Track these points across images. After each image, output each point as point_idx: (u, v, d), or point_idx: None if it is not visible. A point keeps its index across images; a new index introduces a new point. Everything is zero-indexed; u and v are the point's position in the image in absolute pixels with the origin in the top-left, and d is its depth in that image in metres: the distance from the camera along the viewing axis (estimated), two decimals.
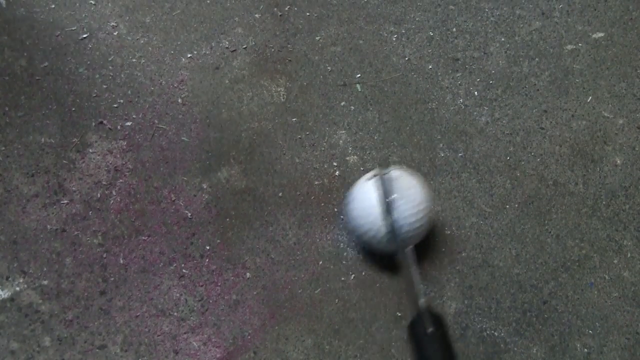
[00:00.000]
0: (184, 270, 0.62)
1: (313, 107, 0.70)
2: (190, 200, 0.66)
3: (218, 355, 0.59)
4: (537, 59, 0.72)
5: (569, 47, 0.73)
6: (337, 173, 0.67)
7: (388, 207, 0.57)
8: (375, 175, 0.60)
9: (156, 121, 0.70)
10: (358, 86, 0.71)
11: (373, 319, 0.60)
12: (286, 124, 0.69)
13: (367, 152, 0.68)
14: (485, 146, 0.68)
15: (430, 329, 0.53)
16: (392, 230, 0.57)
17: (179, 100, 0.71)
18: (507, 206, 0.65)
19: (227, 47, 0.74)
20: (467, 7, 0.75)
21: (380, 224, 0.58)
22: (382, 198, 0.58)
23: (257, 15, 0.75)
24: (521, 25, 0.74)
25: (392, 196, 0.57)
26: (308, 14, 0.75)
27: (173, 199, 0.66)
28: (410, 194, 0.58)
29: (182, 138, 0.69)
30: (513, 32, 0.73)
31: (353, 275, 0.62)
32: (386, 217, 0.57)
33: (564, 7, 0.75)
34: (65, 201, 0.65)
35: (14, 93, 0.71)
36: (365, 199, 0.59)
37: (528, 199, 0.65)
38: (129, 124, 0.69)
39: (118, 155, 0.68)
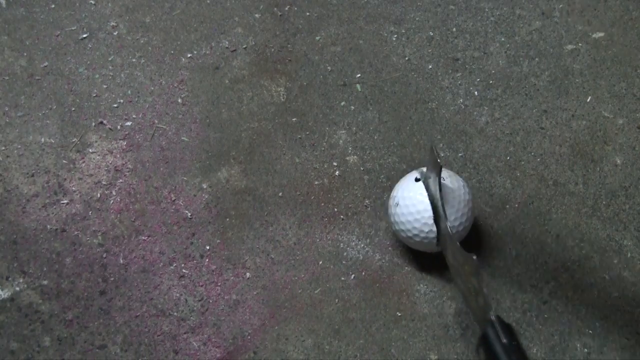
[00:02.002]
0: (184, 270, 0.62)
1: (313, 107, 0.70)
2: (190, 200, 0.66)
3: (218, 355, 0.59)
4: (537, 59, 0.72)
5: (569, 47, 0.73)
6: (337, 173, 0.67)
7: (439, 212, 0.56)
8: (422, 177, 0.59)
9: (156, 121, 0.70)
10: (358, 86, 0.71)
11: (373, 319, 0.60)
12: (286, 124, 0.70)
13: (367, 152, 0.68)
14: (485, 146, 0.68)
15: (504, 340, 0.50)
16: (444, 234, 0.56)
17: (179, 100, 0.71)
18: (507, 206, 0.65)
19: (227, 47, 0.74)
20: (467, 7, 0.75)
21: (430, 225, 0.57)
22: (432, 202, 0.57)
23: (257, 15, 0.75)
24: (521, 25, 0.74)
25: (442, 199, 0.56)
26: (308, 14, 0.75)
27: (173, 199, 0.66)
28: (457, 197, 0.57)
29: (182, 138, 0.69)
30: (513, 32, 0.73)
31: (353, 275, 0.62)
32: (437, 222, 0.57)
33: (564, 7, 0.75)
34: (65, 201, 0.65)
35: (13, 93, 0.71)
36: (413, 203, 0.58)
37: (528, 199, 0.65)
38: (128, 123, 0.69)
39: (118, 155, 0.68)
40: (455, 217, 0.57)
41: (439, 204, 0.56)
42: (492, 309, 0.51)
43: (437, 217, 0.57)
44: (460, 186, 0.58)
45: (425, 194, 0.58)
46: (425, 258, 0.63)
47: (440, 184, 0.56)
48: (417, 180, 0.59)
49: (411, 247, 0.61)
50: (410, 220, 0.58)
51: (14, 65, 0.72)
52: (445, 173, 0.59)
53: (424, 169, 0.60)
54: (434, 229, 0.57)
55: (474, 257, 0.50)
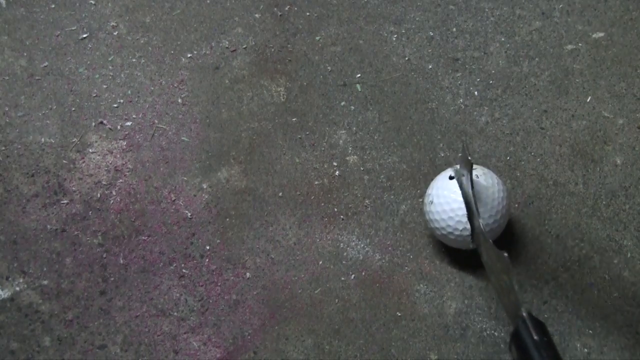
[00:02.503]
0: (184, 270, 0.62)
1: (313, 107, 0.70)
2: (190, 200, 0.66)
3: (218, 355, 0.59)
4: (537, 59, 0.72)
5: (569, 47, 0.73)
6: (337, 173, 0.67)
7: (472, 210, 0.56)
8: (456, 175, 0.59)
9: (156, 121, 0.70)
10: (358, 86, 0.71)
11: (373, 319, 0.60)
12: (286, 124, 0.70)
13: (367, 152, 0.68)
14: (485, 146, 0.68)
15: (536, 336, 0.50)
16: (477, 232, 0.56)
17: (179, 100, 0.71)
18: None
19: (227, 47, 0.74)
20: (467, 7, 0.75)
21: (465, 223, 0.57)
22: (466, 200, 0.57)
23: (257, 15, 0.75)
24: (521, 25, 0.74)
25: (475, 197, 0.56)
26: (308, 13, 0.75)
27: (173, 199, 0.66)
28: (491, 194, 0.57)
29: (182, 138, 0.69)
30: (513, 32, 0.73)
31: (353, 275, 0.62)
32: (471, 220, 0.57)
33: (564, 7, 0.75)
34: (65, 201, 0.65)
35: (13, 93, 0.71)
36: (447, 201, 0.58)
37: (528, 198, 0.65)
38: (129, 124, 0.69)
39: (118, 155, 0.68)
40: (490, 215, 0.57)
41: (472, 201, 0.56)
42: (523, 306, 0.51)
43: (470, 215, 0.57)
44: (494, 184, 0.59)
45: (459, 192, 0.58)
46: (425, 258, 0.63)
47: (472, 181, 0.56)
48: (451, 178, 0.59)
49: (447, 245, 0.62)
50: (444, 218, 0.58)
51: (14, 65, 0.72)
52: (480, 171, 0.59)
53: (458, 166, 0.60)
54: (468, 226, 0.57)
55: (505, 254, 0.51)
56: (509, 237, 0.63)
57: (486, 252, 0.56)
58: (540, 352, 0.49)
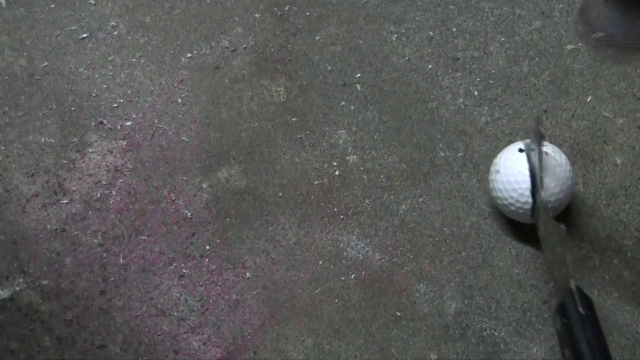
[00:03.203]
0: (184, 270, 0.62)
1: (313, 106, 0.70)
2: (190, 200, 0.66)
3: (218, 355, 0.59)
4: (537, 59, 0.72)
5: (569, 46, 0.73)
6: (337, 173, 0.67)
7: (537, 185, 0.57)
8: (526, 149, 0.59)
9: (156, 121, 0.70)
10: (358, 86, 0.71)
11: (373, 319, 0.60)
12: (286, 124, 0.70)
13: (367, 152, 0.68)
14: (485, 146, 0.68)
15: (582, 311, 0.51)
16: (539, 206, 0.57)
17: (179, 100, 0.71)
18: None
19: (227, 47, 0.74)
20: (467, 7, 0.75)
21: (527, 197, 0.58)
22: (532, 174, 0.57)
23: (257, 15, 0.75)
24: (521, 25, 0.74)
25: (542, 173, 0.57)
26: (308, 13, 0.75)
27: (173, 199, 0.66)
28: (558, 172, 0.58)
29: (182, 138, 0.69)
30: (513, 32, 0.73)
31: (353, 275, 0.62)
32: (534, 194, 0.57)
33: (564, 6, 0.75)
34: (65, 201, 0.65)
35: (13, 93, 0.71)
36: (514, 172, 0.58)
37: None
38: (128, 123, 0.69)
39: (118, 155, 0.68)
40: (553, 193, 0.58)
41: (538, 176, 0.57)
42: (573, 279, 0.52)
43: (534, 190, 0.58)
44: (563, 162, 0.59)
45: (527, 165, 0.58)
46: (425, 258, 0.63)
47: (541, 155, 0.57)
48: (520, 150, 0.60)
49: (505, 215, 0.62)
50: (508, 189, 0.59)
51: (14, 65, 0.72)
52: (550, 148, 0.59)
53: (528, 141, 0.61)
54: (530, 200, 0.58)
55: (564, 227, 0.52)
56: (509, 237, 0.63)
57: (544, 226, 0.57)
58: (584, 325, 0.50)
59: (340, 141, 0.69)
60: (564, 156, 0.60)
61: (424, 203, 0.65)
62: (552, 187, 0.58)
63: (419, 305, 0.61)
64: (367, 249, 0.63)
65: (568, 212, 0.64)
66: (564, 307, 0.53)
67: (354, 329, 0.60)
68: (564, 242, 0.53)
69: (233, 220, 0.65)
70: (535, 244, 0.63)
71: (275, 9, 0.76)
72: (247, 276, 0.62)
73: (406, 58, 0.73)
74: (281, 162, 0.68)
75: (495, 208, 0.65)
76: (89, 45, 0.73)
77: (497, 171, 0.60)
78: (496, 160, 0.62)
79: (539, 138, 0.56)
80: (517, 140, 0.68)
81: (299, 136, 0.69)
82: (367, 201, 0.65)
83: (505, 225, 0.64)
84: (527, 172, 0.58)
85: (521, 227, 0.64)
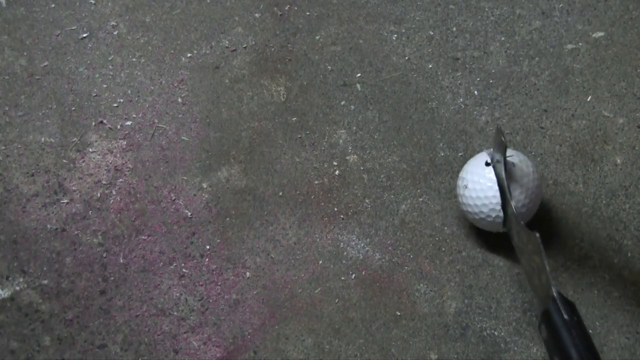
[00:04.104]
0: (184, 270, 0.62)
1: (313, 106, 0.70)
2: (190, 200, 0.66)
3: (218, 355, 0.59)
4: (537, 59, 0.72)
5: (569, 46, 0.72)
6: (337, 172, 0.67)
7: (506, 197, 0.57)
8: (492, 161, 0.59)
9: (156, 120, 0.70)
10: (358, 85, 0.71)
11: (373, 319, 0.60)
12: (286, 124, 0.69)
13: (367, 152, 0.68)
14: (485, 145, 0.68)
15: (566, 316, 0.50)
16: (510, 217, 0.57)
17: (179, 100, 0.71)
18: None
19: (227, 47, 0.74)
20: (467, 7, 0.75)
21: (498, 211, 0.58)
22: (500, 188, 0.58)
23: (257, 15, 0.75)
24: (521, 25, 0.74)
25: (510, 184, 0.57)
26: (308, 13, 0.75)
27: (173, 199, 0.66)
28: (525, 183, 0.58)
29: (182, 137, 0.69)
30: (513, 32, 0.73)
31: (353, 275, 0.62)
32: (504, 206, 0.58)
33: (564, 6, 0.75)
34: (65, 201, 0.65)
35: (13, 92, 0.71)
36: (482, 188, 0.59)
37: None
38: (129, 123, 0.69)
39: (118, 155, 0.68)
40: (523, 204, 0.58)
41: (507, 189, 0.57)
42: (553, 286, 0.52)
43: (504, 202, 0.58)
44: (530, 172, 0.59)
45: (494, 179, 0.58)
46: (426, 258, 0.63)
47: (506, 166, 0.57)
48: (487, 164, 0.60)
49: (476, 226, 0.62)
50: (478, 204, 0.59)
51: (14, 65, 0.72)
52: (516, 157, 0.59)
53: (492, 150, 0.61)
54: (501, 214, 0.58)
55: (537, 234, 0.51)
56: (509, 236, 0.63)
57: (517, 235, 0.57)
58: (570, 331, 0.50)
59: (341, 141, 0.69)
60: (530, 163, 0.60)
61: (424, 203, 0.65)
62: (522, 198, 0.58)
63: (419, 304, 0.61)
64: (367, 248, 0.63)
65: (569, 212, 0.64)
66: (548, 315, 0.52)
67: (354, 328, 0.60)
68: (540, 249, 0.52)
69: (233, 220, 0.65)
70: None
71: (276, 8, 0.76)
72: (247, 276, 0.62)
73: (406, 58, 0.73)
74: (281, 161, 0.68)
75: None
76: (89, 45, 0.73)
77: (465, 187, 0.60)
78: (463, 175, 0.61)
79: (503, 148, 0.56)
80: (516, 140, 0.68)
81: (299, 136, 0.69)
82: (367, 201, 0.65)
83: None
84: (495, 187, 0.58)
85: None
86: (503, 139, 0.55)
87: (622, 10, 0.75)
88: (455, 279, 0.62)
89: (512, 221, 0.57)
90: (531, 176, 0.59)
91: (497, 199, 0.58)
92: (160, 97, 0.71)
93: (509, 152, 0.60)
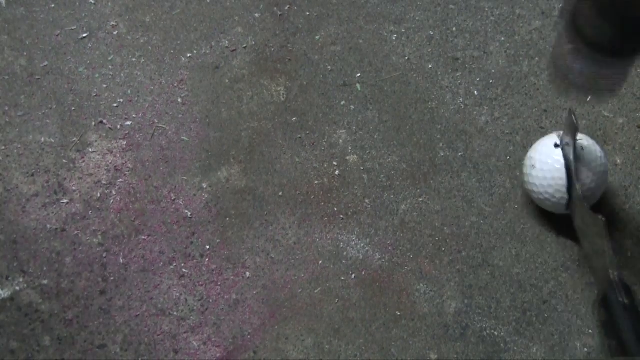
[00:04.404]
0: (184, 270, 0.62)
1: (313, 106, 0.70)
2: (190, 200, 0.66)
3: (218, 355, 0.59)
4: (537, 59, 0.72)
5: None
6: (337, 172, 0.67)
7: (573, 181, 0.57)
8: (562, 144, 0.59)
9: (156, 120, 0.70)
10: (358, 85, 0.71)
11: (373, 319, 0.60)
12: (286, 124, 0.69)
13: (367, 152, 0.68)
14: (485, 145, 0.68)
15: (626, 300, 0.51)
16: (575, 199, 0.57)
17: (179, 100, 0.71)
18: (507, 206, 0.65)
19: (227, 47, 0.74)
20: (467, 7, 0.75)
21: (563, 193, 0.58)
22: (568, 171, 0.58)
23: (257, 15, 0.75)
24: (521, 25, 0.74)
25: (577, 168, 0.57)
26: (308, 13, 0.75)
27: (173, 199, 0.66)
28: (593, 167, 0.58)
29: (182, 137, 0.69)
30: (513, 32, 0.73)
31: (353, 275, 0.62)
32: (570, 189, 0.58)
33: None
34: (65, 201, 0.65)
35: (13, 92, 0.71)
36: (550, 169, 0.59)
37: (528, 198, 0.65)
38: (128, 123, 0.69)
39: (118, 155, 0.68)
40: (589, 187, 0.58)
41: (574, 172, 0.57)
42: (614, 269, 0.52)
43: (570, 185, 0.58)
44: (598, 156, 0.59)
45: (562, 162, 0.58)
46: (426, 258, 0.63)
47: (575, 150, 0.57)
48: (556, 146, 0.60)
49: (538, 205, 0.62)
50: (544, 185, 0.59)
51: (14, 65, 0.72)
52: (586, 141, 0.59)
53: (562, 133, 0.61)
54: (566, 196, 0.58)
55: (602, 218, 0.52)
56: (508, 237, 0.63)
57: (581, 217, 0.57)
58: (628, 314, 0.50)
59: (340, 141, 0.69)
60: (598, 147, 0.60)
61: (424, 203, 0.65)
62: (588, 182, 0.58)
63: (419, 305, 0.61)
64: (367, 248, 0.63)
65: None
66: (605, 298, 0.52)
67: (354, 328, 0.60)
68: (603, 233, 0.52)
69: (233, 220, 0.65)
70: (536, 245, 0.63)
71: (275, 8, 0.76)
72: (247, 276, 0.62)
73: (406, 58, 0.73)
74: (281, 161, 0.68)
75: (495, 208, 0.65)
76: (89, 45, 0.73)
77: (533, 166, 0.60)
78: (531, 154, 0.61)
79: (574, 131, 0.56)
80: (516, 140, 0.68)
81: (299, 136, 0.69)
82: (367, 201, 0.65)
83: (505, 224, 0.64)
84: (563, 169, 0.58)
85: (522, 226, 0.64)
86: (575, 122, 0.55)
87: None
88: (455, 279, 0.62)
89: (577, 204, 0.57)
90: (599, 161, 0.59)
91: (563, 180, 0.58)
92: (160, 97, 0.71)
93: (578, 135, 0.59)
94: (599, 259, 0.54)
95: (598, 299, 0.54)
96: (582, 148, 0.59)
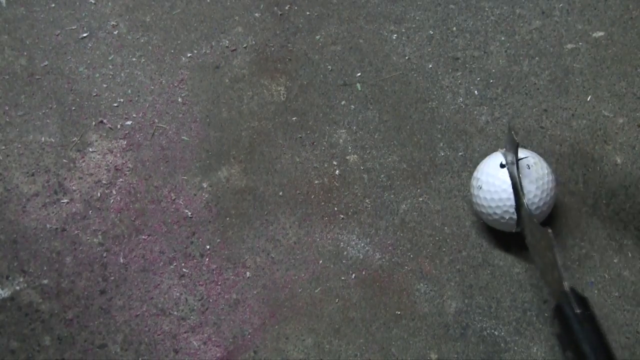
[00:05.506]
0: (184, 270, 0.62)
1: (313, 106, 0.70)
2: (191, 200, 0.66)
3: (218, 355, 0.59)
4: (537, 58, 0.72)
5: (569, 46, 0.72)
6: (337, 172, 0.67)
7: (520, 199, 0.57)
8: (507, 163, 0.59)
9: (156, 120, 0.70)
10: (358, 85, 0.71)
11: (373, 319, 0.60)
12: (286, 123, 0.69)
13: (367, 152, 0.68)
14: (486, 145, 0.68)
15: (578, 310, 0.51)
16: (525, 218, 0.58)
17: (179, 100, 0.71)
18: None
19: (227, 46, 0.74)
20: (468, 6, 0.75)
21: (511, 213, 0.58)
22: (515, 190, 0.58)
23: (257, 15, 0.75)
24: (521, 24, 0.74)
25: (524, 186, 0.57)
26: (308, 13, 0.75)
27: (173, 198, 0.66)
28: (540, 185, 0.58)
29: (182, 137, 0.69)
30: (513, 31, 0.73)
31: (353, 275, 0.62)
32: (518, 208, 0.58)
33: (564, 6, 0.75)
34: (66, 200, 0.65)
35: (14, 92, 0.71)
36: (497, 190, 0.59)
37: None
38: (129, 123, 0.69)
39: (118, 155, 0.68)
40: (537, 206, 0.58)
41: (521, 191, 0.57)
42: (566, 281, 0.52)
43: (518, 204, 0.58)
44: (545, 173, 0.59)
45: (509, 181, 0.58)
46: (426, 257, 0.63)
47: (519, 167, 0.57)
48: (502, 166, 0.60)
49: (488, 225, 0.63)
50: (492, 205, 0.59)
51: (14, 65, 0.72)
52: (532, 159, 0.60)
53: (504, 150, 0.61)
54: (515, 216, 0.58)
55: (550, 231, 0.52)
56: (509, 237, 0.63)
57: (531, 233, 0.58)
58: (582, 325, 0.51)
59: (341, 140, 0.69)
60: (545, 164, 0.60)
61: (424, 202, 0.65)
62: (536, 200, 0.58)
63: (419, 304, 0.61)
64: (367, 248, 0.63)
65: (569, 212, 0.64)
66: (560, 310, 0.53)
67: (354, 328, 0.60)
68: (552, 246, 0.53)
69: (233, 220, 0.65)
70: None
71: (276, 8, 0.76)
72: (248, 275, 0.62)
73: (406, 57, 0.73)
74: (281, 161, 0.68)
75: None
76: (89, 45, 0.73)
77: (480, 187, 0.60)
78: (477, 175, 0.61)
79: (515, 147, 0.57)
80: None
81: (299, 135, 0.69)
82: (367, 200, 0.65)
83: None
84: (510, 190, 0.58)
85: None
86: (515, 138, 0.56)
87: (622, 10, 0.75)
88: (455, 278, 0.62)
89: (525, 220, 0.58)
90: (546, 178, 0.59)
91: (511, 201, 0.58)
92: (161, 96, 0.71)
93: (525, 153, 0.60)
94: (551, 271, 0.55)
95: (552, 311, 0.55)
96: (529, 166, 0.59)
